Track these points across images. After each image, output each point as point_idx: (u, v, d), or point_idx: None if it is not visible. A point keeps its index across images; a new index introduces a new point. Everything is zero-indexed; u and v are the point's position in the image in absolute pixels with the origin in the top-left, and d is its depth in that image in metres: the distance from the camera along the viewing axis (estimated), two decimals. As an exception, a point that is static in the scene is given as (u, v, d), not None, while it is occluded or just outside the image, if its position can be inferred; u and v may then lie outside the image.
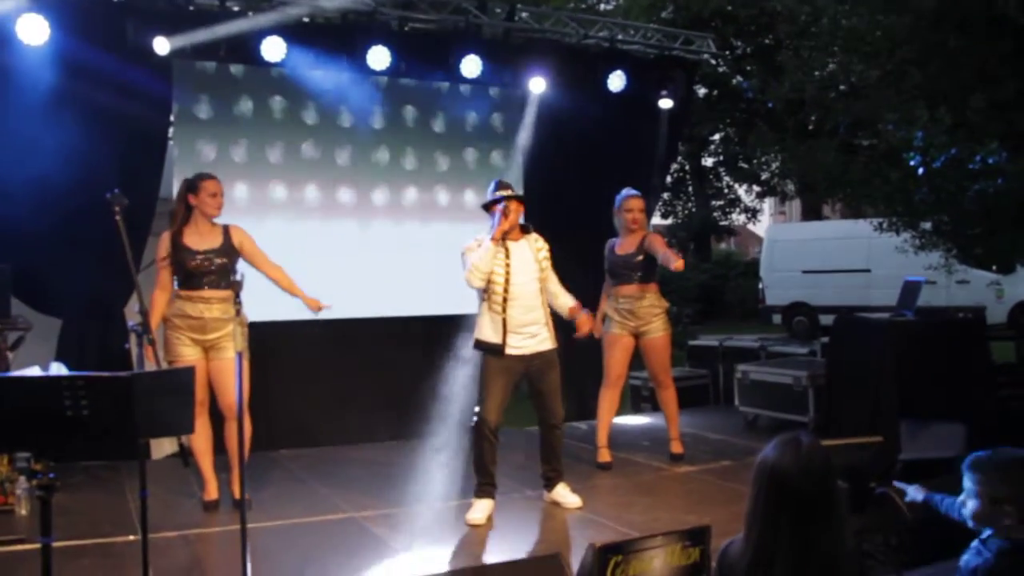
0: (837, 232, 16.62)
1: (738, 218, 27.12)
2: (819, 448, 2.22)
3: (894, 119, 6.77)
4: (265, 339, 6.53)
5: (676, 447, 6.25)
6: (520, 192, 5.09)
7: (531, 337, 4.92)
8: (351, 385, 6.91)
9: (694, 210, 25.92)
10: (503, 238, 4.87)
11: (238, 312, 3.72)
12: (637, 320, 5.99)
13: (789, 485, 2.15)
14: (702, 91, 20.85)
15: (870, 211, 9.27)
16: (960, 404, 5.59)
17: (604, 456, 6.12)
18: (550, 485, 5.22)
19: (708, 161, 25.54)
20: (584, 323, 5.13)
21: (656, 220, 29.10)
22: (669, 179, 24.47)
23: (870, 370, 5.95)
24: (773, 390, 7.15)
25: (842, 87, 8.14)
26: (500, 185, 5.01)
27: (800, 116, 12.76)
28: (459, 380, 5.81)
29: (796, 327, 16.49)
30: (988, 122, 6.32)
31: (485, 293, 4.89)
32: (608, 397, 6.15)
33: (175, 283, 4.95)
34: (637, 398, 8.56)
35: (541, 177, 7.62)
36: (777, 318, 17.10)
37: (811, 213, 22.66)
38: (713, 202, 25.99)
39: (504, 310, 4.84)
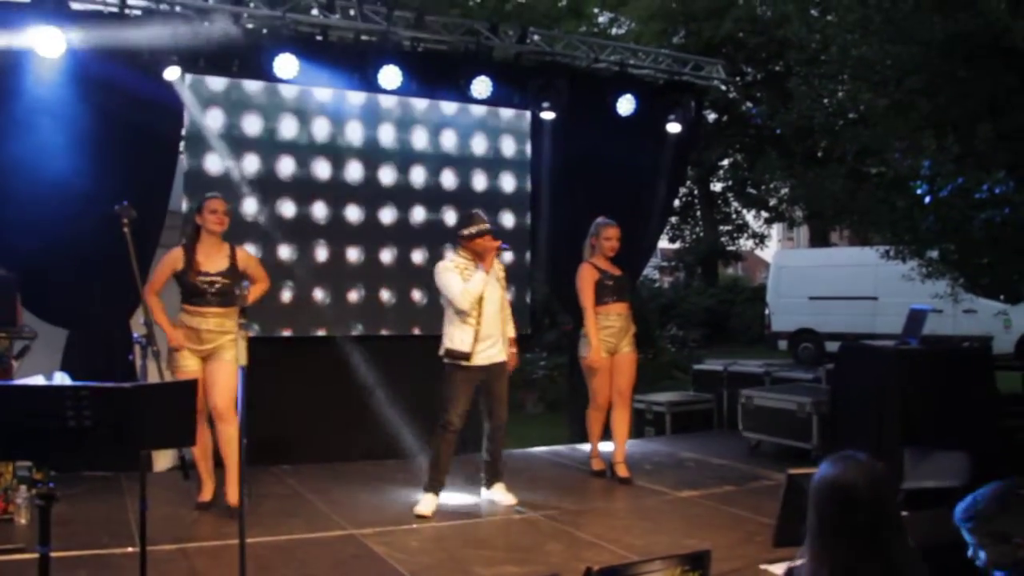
0: (844, 259, 16.60)
1: (746, 243, 27.17)
2: (875, 461, 2.24)
3: (902, 148, 6.78)
4: (269, 354, 6.55)
5: (623, 471, 6.30)
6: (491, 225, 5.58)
7: (492, 347, 5.46)
8: (353, 402, 6.87)
9: (702, 235, 25.98)
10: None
11: (241, 327, 3.72)
12: (618, 338, 6.24)
13: (860, 499, 2.15)
14: (711, 116, 20.95)
15: (877, 238, 9.25)
16: (965, 433, 5.56)
17: (598, 464, 6.48)
18: (489, 483, 5.65)
19: (717, 186, 25.63)
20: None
21: (663, 244, 29.22)
22: (677, 203, 24.53)
23: (874, 398, 5.93)
24: (777, 416, 7.13)
25: (851, 115, 8.15)
26: (479, 219, 5.50)
27: (808, 143, 12.78)
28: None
29: (802, 354, 16.43)
30: (995, 152, 6.32)
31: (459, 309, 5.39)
32: (599, 418, 6.42)
33: (180, 296, 5.20)
34: (641, 421, 8.54)
35: (549, 199, 7.67)
36: (783, 344, 17.05)
37: (819, 240, 22.66)
38: (721, 227, 26.04)
39: (478, 323, 5.38)
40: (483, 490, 5.69)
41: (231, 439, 5.10)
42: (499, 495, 5.61)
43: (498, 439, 5.61)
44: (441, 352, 5.48)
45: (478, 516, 5.41)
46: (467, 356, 5.35)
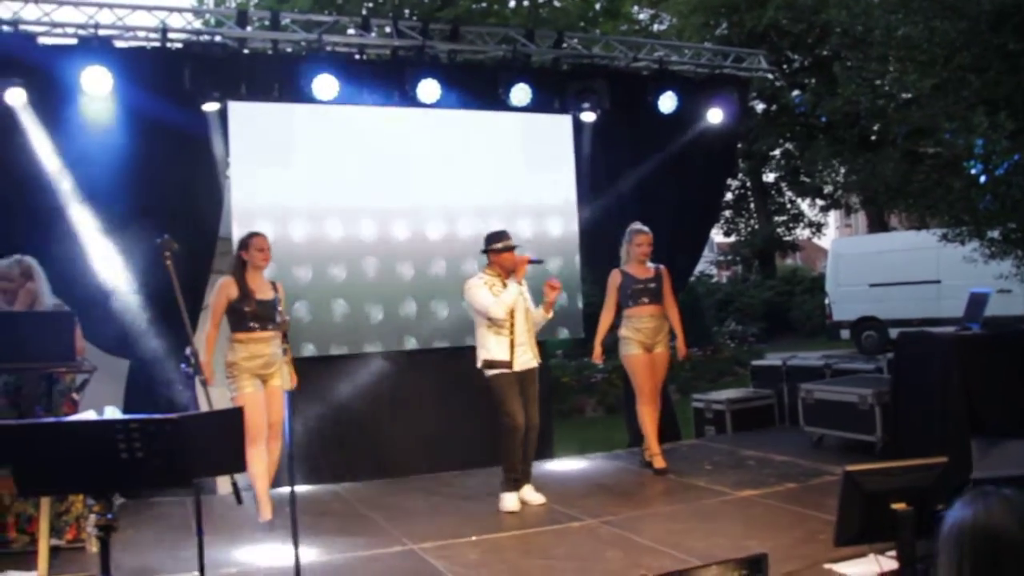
0: (904, 243, 16.16)
1: (802, 233, 26.71)
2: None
3: (951, 128, 6.59)
4: (326, 372, 6.64)
5: (660, 462, 6.52)
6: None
7: (524, 354, 5.74)
8: (411, 415, 6.95)
9: (757, 227, 25.60)
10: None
11: (286, 352, 3.81)
12: (653, 337, 6.49)
13: (1012, 545, 1.82)
14: (760, 106, 20.66)
15: (934, 221, 9.00)
16: (1035, 419, 5.38)
17: (660, 462, 6.51)
18: (518, 485, 5.77)
19: (769, 176, 25.21)
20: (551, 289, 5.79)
21: (719, 238, 28.88)
22: (730, 196, 24.25)
23: (936, 387, 5.76)
24: (839, 409, 6.97)
25: (904, 95, 7.95)
26: (507, 235, 5.79)
27: (859, 128, 12.51)
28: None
29: (866, 342, 16.07)
30: (1052, 126, 6.13)
31: (489, 321, 5.64)
32: (649, 412, 6.55)
33: (231, 325, 5.41)
34: (700, 421, 8.44)
35: (594, 203, 7.63)
36: (845, 333, 16.69)
37: (877, 225, 22.16)
38: (776, 218, 25.64)
39: (512, 332, 5.66)
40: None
41: (276, 455, 5.55)
42: (528, 495, 5.79)
43: (531, 441, 5.81)
44: (479, 364, 5.72)
45: (537, 526, 5.39)
46: (508, 364, 5.64)
